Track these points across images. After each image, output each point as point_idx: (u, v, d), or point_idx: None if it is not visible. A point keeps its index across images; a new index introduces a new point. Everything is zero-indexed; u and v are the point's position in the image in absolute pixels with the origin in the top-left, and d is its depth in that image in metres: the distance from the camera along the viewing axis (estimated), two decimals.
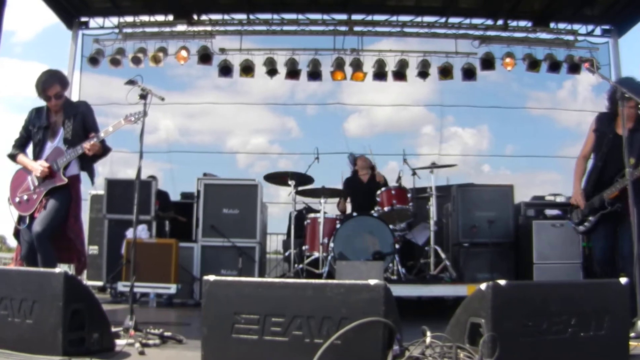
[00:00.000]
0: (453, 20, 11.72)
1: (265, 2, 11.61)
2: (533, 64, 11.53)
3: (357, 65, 11.64)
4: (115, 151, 5.94)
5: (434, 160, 8.19)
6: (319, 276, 7.20)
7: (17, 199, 5.36)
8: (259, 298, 3.27)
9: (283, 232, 10.24)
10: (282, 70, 11.68)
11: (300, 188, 7.92)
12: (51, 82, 5.34)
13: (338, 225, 7.39)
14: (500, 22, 11.63)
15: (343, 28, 11.81)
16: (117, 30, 11.71)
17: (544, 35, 11.78)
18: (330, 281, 3.28)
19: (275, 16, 11.71)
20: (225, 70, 11.65)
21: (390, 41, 12.15)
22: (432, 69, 11.69)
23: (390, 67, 11.72)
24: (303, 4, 11.65)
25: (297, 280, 3.48)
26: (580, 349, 3.29)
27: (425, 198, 7.82)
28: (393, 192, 7.72)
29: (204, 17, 11.78)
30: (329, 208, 7.85)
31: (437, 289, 6.81)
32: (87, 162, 5.48)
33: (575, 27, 11.71)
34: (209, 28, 11.80)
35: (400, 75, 11.71)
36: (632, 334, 3.99)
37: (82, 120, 5.44)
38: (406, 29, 11.87)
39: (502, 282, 3.15)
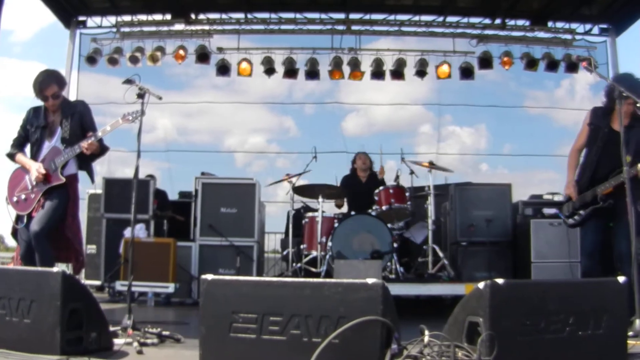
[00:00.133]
0: (451, 19, 11.74)
1: (263, 1, 11.61)
2: (531, 63, 11.55)
3: (354, 64, 11.64)
4: (113, 150, 5.93)
5: (431, 159, 8.17)
6: (317, 275, 7.20)
7: (15, 198, 5.36)
8: (257, 297, 3.27)
9: (281, 231, 10.23)
10: (279, 69, 11.67)
11: (298, 185, 7.92)
12: (48, 82, 5.33)
13: (336, 224, 7.39)
14: (498, 21, 11.64)
15: (341, 27, 11.82)
16: (114, 30, 11.71)
17: (541, 34, 11.81)
18: (328, 280, 3.27)
19: (273, 15, 11.71)
20: (223, 69, 11.65)
21: (388, 40, 12.18)
22: (429, 68, 11.69)
23: (388, 66, 11.72)
24: (301, 3, 11.66)
25: (295, 279, 3.48)
26: (578, 348, 3.29)
27: (423, 197, 7.81)
28: (391, 190, 7.71)
29: (201, 16, 11.78)
30: (327, 207, 7.85)
31: (435, 287, 6.81)
32: (85, 162, 5.48)
33: (573, 26, 11.73)
34: (206, 27, 11.80)
35: (398, 74, 11.71)
36: (630, 333, 3.99)
37: (79, 120, 5.43)
38: (404, 28, 11.89)
39: (500, 281, 3.15)
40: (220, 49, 11.77)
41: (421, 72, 11.66)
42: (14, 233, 5.46)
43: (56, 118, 5.44)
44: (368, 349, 3.03)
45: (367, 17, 11.80)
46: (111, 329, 4.19)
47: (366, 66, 11.74)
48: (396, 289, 5.98)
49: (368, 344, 3.02)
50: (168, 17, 11.66)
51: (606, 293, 3.48)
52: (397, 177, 8.01)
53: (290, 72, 11.68)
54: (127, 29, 11.72)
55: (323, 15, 11.74)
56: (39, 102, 5.46)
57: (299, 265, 7.63)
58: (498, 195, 8.56)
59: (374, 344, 3.02)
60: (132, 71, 10.38)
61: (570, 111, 12.95)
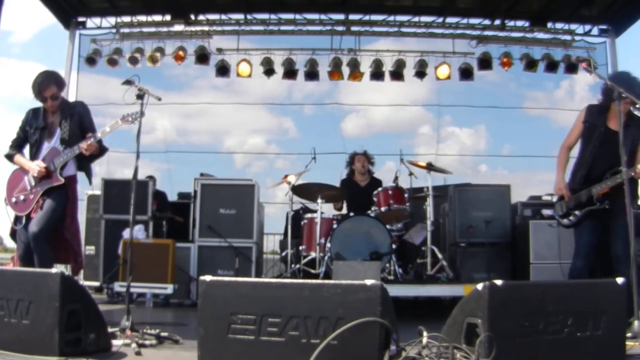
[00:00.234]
0: (450, 20, 11.76)
1: (263, 2, 11.62)
2: (530, 64, 11.55)
3: (354, 65, 11.65)
4: (112, 151, 5.94)
5: (431, 161, 8.17)
6: (316, 276, 7.19)
7: (14, 199, 5.36)
8: (255, 298, 3.26)
9: (280, 232, 10.24)
10: (279, 70, 11.68)
11: (297, 184, 7.91)
12: (47, 83, 5.33)
13: (335, 226, 7.39)
14: (497, 22, 11.66)
15: (340, 28, 11.83)
16: (114, 30, 11.72)
17: (541, 35, 11.82)
18: (327, 281, 3.27)
19: (273, 16, 11.72)
20: (223, 70, 11.65)
21: (387, 41, 12.19)
22: (429, 68, 11.70)
23: (388, 67, 11.73)
24: (301, 4, 11.67)
25: (293, 280, 3.47)
26: (577, 349, 3.29)
27: (422, 198, 7.81)
28: (390, 192, 7.70)
29: (201, 17, 11.79)
30: (325, 208, 7.84)
31: (434, 289, 6.80)
32: (84, 162, 5.48)
33: (573, 27, 11.75)
34: (206, 28, 11.81)
35: (397, 75, 11.72)
36: (628, 334, 3.99)
37: (79, 121, 5.43)
38: (403, 29, 11.90)
39: (498, 282, 3.15)
40: (219, 50, 11.77)
41: (421, 73, 11.67)
42: (13, 234, 5.46)
43: (55, 119, 5.44)
44: (367, 350, 3.02)
45: (366, 18, 11.82)
46: (110, 330, 4.19)
47: (365, 67, 11.74)
48: (395, 290, 5.99)
49: (367, 345, 3.02)
50: (167, 17, 11.67)
51: (605, 294, 3.48)
52: (396, 178, 8.00)
53: (290, 72, 11.68)
54: (126, 30, 11.73)
55: (322, 16, 11.75)
56: (39, 103, 5.46)
57: (297, 266, 7.62)
58: (497, 197, 8.56)
59: (373, 345, 3.02)
60: (132, 72, 10.43)
61: (569, 112, 12.90)
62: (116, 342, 4.08)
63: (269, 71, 11.65)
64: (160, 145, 13.44)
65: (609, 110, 5.34)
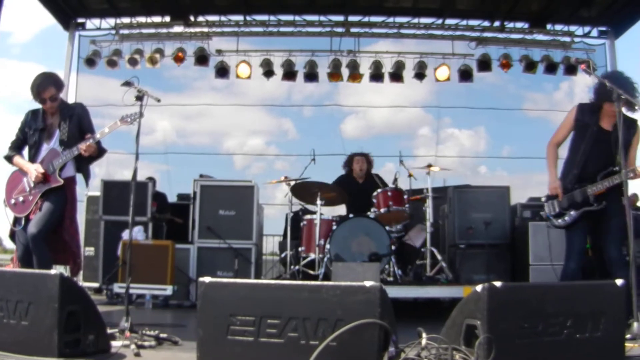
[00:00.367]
0: (450, 21, 11.75)
1: (262, 3, 11.60)
2: (530, 66, 11.56)
3: (353, 67, 11.66)
4: (111, 152, 5.95)
5: (430, 162, 8.18)
6: (315, 278, 7.19)
7: (13, 201, 5.36)
8: (254, 300, 3.26)
9: (279, 234, 10.24)
10: (278, 71, 11.68)
11: (295, 181, 7.91)
12: (46, 85, 5.33)
13: (334, 227, 7.39)
14: (497, 23, 11.65)
15: (340, 29, 11.83)
16: (113, 32, 11.71)
17: (540, 37, 11.82)
18: (326, 283, 3.28)
19: (272, 17, 11.72)
20: (222, 71, 11.65)
21: (387, 42, 12.23)
22: (428, 70, 11.71)
23: (387, 68, 11.73)
24: (300, 5, 11.66)
25: (293, 281, 3.48)
26: (576, 351, 3.29)
27: (422, 199, 7.81)
28: (389, 193, 7.70)
29: (200, 19, 11.79)
30: (325, 210, 7.84)
31: (433, 290, 6.80)
32: (83, 164, 5.48)
33: (572, 28, 11.75)
34: (205, 29, 11.81)
35: (396, 76, 11.72)
36: (628, 336, 3.99)
37: (78, 122, 5.43)
38: (403, 31, 11.90)
39: (497, 283, 3.15)
40: (219, 51, 11.78)
41: (420, 75, 11.67)
42: (12, 235, 5.46)
43: (54, 121, 5.44)
44: (366, 351, 3.02)
45: (366, 19, 11.82)
46: (109, 331, 4.20)
47: (365, 68, 11.75)
48: (394, 292, 5.99)
49: (366, 346, 3.02)
50: (167, 19, 11.66)
51: (604, 296, 3.49)
52: (396, 180, 8.00)
53: (289, 74, 11.69)
54: (126, 31, 11.72)
55: (322, 18, 11.75)
56: (38, 105, 5.46)
57: (297, 267, 7.62)
58: (496, 198, 8.56)
59: (372, 346, 3.02)
60: (131, 73, 10.32)
61: None
62: (115, 343, 4.08)
63: (269, 72, 11.65)
64: (160, 146, 13.49)
65: (600, 109, 5.29)
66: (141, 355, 3.92)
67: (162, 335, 4.46)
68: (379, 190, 7.82)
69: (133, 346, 4.02)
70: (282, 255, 8.41)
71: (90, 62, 11.48)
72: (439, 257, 7.51)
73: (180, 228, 9.55)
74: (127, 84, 5.04)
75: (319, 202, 7.57)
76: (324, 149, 11.25)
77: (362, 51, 11.95)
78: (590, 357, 3.34)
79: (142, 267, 6.95)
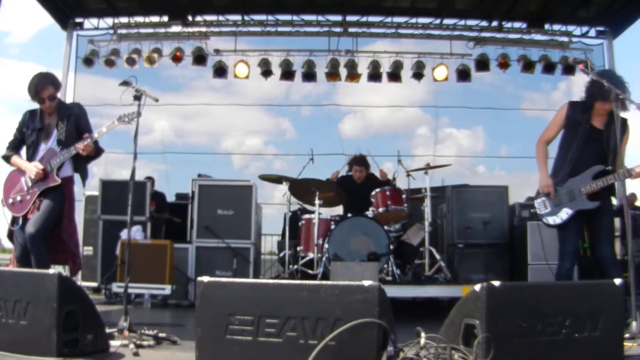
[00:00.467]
0: (448, 21, 11.75)
1: (260, 3, 11.60)
2: (528, 65, 11.57)
3: (351, 67, 11.65)
4: (110, 152, 5.95)
5: (428, 162, 8.18)
6: (314, 277, 7.19)
7: (11, 200, 5.35)
8: (253, 299, 3.26)
9: (278, 233, 10.25)
10: (276, 71, 11.68)
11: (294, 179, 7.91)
12: (44, 84, 5.32)
13: (333, 226, 7.39)
14: (495, 23, 11.66)
15: (338, 29, 11.82)
16: (111, 31, 11.70)
17: (538, 37, 11.82)
18: (324, 282, 3.28)
19: (270, 17, 11.71)
20: (220, 71, 11.64)
21: (385, 42, 12.23)
22: (426, 70, 11.71)
23: (385, 68, 11.73)
24: (298, 5, 11.66)
25: (291, 281, 3.48)
26: (574, 350, 3.30)
27: (420, 199, 7.81)
28: (388, 192, 7.70)
29: (198, 18, 11.79)
30: (323, 209, 7.84)
31: (431, 290, 6.80)
32: (80, 163, 5.47)
33: (570, 28, 11.75)
34: (203, 29, 11.80)
35: (395, 76, 11.73)
36: (626, 335, 3.99)
37: (75, 122, 5.43)
38: (401, 30, 11.90)
39: (496, 283, 3.15)
40: (217, 51, 11.77)
41: (418, 75, 11.68)
42: (10, 235, 5.45)
43: (52, 120, 5.43)
44: (364, 351, 3.02)
45: (364, 19, 11.82)
46: (107, 330, 4.20)
47: (363, 68, 11.73)
48: (393, 291, 5.99)
49: (364, 346, 3.02)
50: (165, 19, 11.65)
51: (603, 295, 3.49)
52: (394, 179, 8.00)
53: (287, 74, 11.69)
54: (124, 31, 11.71)
55: (320, 17, 11.74)
56: (36, 105, 5.45)
57: (295, 267, 7.61)
58: (495, 198, 8.57)
59: (371, 346, 3.02)
60: (129, 73, 10.39)
61: None
62: (114, 343, 4.08)
63: (267, 72, 11.65)
64: (158, 146, 13.47)
65: (592, 108, 5.28)
66: (140, 355, 3.92)
67: (161, 334, 4.46)
68: (378, 189, 7.82)
69: (132, 346, 4.02)
70: (281, 254, 8.41)
71: (88, 61, 11.47)
72: (437, 256, 7.51)
73: (179, 227, 9.56)
74: (125, 83, 5.04)
75: (317, 201, 7.57)
76: (322, 149, 11.25)
77: (360, 51, 11.94)
78: (589, 356, 3.35)
79: (140, 266, 6.95)
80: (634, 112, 5.02)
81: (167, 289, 7.66)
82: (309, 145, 8.56)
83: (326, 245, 7.19)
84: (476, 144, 15.35)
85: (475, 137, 15.51)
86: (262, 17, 11.73)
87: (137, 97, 4.96)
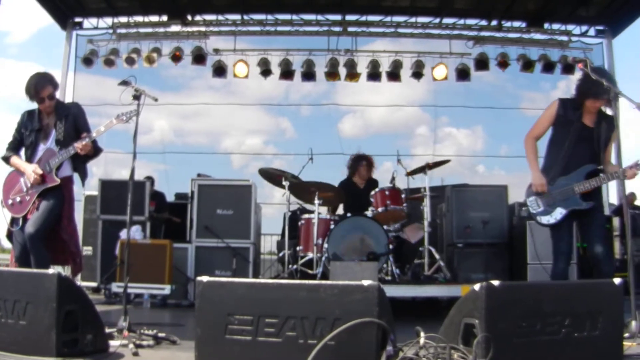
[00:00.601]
0: (447, 21, 11.79)
1: (260, 2, 11.62)
2: (527, 65, 11.58)
3: (351, 66, 11.67)
4: (109, 152, 5.95)
5: (428, 161, 8.17)
6: (313, 277, 7.18)
7: (10, 201, 5.35)
8: (252, 299, 3.26)
9: (277, 233, 10.23)
10: (276, 70, 11.70)
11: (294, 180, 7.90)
12: (43, 84, 5.32)
13: (332, 226, 7.38)
14: (494, 22, 11.68)
15: (337, 29, 11.84)
16: (111, 31, 11.72)
17: (537, 36, 11.84)
18: (324, 282, 3.28)
19: (270, 17, 11.72)
20: (219, 70, 11.65)
21: (384, 42, 12.23)
22: (426, 69, 11.72)
23: (385, 67, 11.76)
24: (297, 4, 11.67)
25: (291, 281, 3.48)
26: (574, 350, 3.30)
27: (419, 198, 7.80)
28: (387, 192, 7.69)
29: (198, 18, 11.81)
30: (322, 209, 7.83)
31: (431, 289, 6.79)
32: (79, 163, 5.47)
33: (569, 27, 11.79)
34: (203, 29, 11.82)
35: (394, 75, 11.74)
36: (625, 335, 4.00)
37: (73, 122, 5.43)
38: (400, 30, 11.92)
39: (495, 282, 3.15)
40: (216, 51, 11.78)
41: (417, 74, 11.70)
42: (9, 235, 5.45)
43: (50, 120, 5.43)
44: (364, 350, 3.03)
45: (363, 18, 11.84)
46: (107, 330, 4.19)
47: (362, 68, 11.75)
48: (392, 291, 5.98)
49: (364, 345, 3.02)
50: (164, 18, 11.67)
51: (602, 295, 3.49)
52: (393, 179, 8.00)
53: (287, 73, 11.71)
54: (123, 31, 11.73)
55: (319, 17, 11.76)
56: (34, 105, 5.45)
57: (294, 267, 7.60)
58: (494, 197, 8.56)
59: (370, 345, 3.02)
60: (128, 72, 10.44)
61: None
62: (113, 343, 4.08)
63: (266, 72, 11.66)
64: (158, 146, 13.49)
65: (583, 106, 5.24)
66: (139, 355, 3.92)
67: (160, 334, 4.46)
68: (377, 189, 7.81)
69: (131, 345, 4.02)
70: (280, 254, 8.40)
71: (88, 61, 11.49)
72: (437, 256, 7.49)
73: (178, 227, 9.55)
74: (125, 83, 5.04)
75: (316, 201, 7.56)
76: (322, 148, 11.26)
77: (360, 50, 11.96)
78: (588, 356, 3.35)
79: (140, 266, 6.94)
80: (634, 112, 5.02)
81: (166, 289, 7.66)
82: (308, 145, 8.58)
83: (325, 245, 7.18)
84: (476, 144, 15.35)
85: (475, 137, 15.52)
86: (262, 17, 11.75)
87: (137, 97, 4.96)
